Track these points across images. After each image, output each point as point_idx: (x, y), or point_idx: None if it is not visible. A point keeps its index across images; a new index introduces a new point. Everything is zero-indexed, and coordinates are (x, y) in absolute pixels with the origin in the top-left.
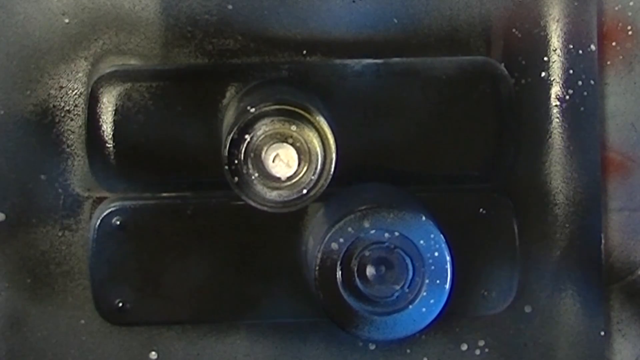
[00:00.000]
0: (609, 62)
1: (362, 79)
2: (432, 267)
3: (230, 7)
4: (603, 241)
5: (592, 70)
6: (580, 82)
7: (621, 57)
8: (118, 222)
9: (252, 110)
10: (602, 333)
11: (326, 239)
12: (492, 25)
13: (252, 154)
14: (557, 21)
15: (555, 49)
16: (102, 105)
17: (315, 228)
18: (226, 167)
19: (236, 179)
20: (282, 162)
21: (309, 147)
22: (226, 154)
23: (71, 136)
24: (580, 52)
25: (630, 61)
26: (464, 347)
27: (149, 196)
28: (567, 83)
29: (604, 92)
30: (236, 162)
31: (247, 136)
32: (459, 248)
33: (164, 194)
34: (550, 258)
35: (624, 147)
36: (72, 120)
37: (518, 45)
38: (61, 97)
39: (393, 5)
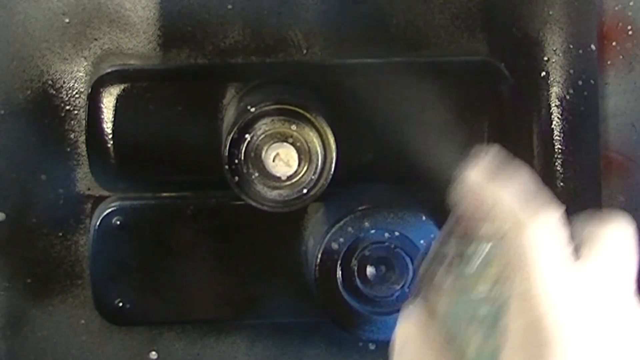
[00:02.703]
0: (609, 62)
1: (362, 79)
2: None
3: (230, 7)
4: None
5: (592, 70)
6: (580, 82)
7: (621, 57)
8: (118, 222)
9: (252, 110)
10: None
11: (326, 239)
12: (492, 25)
13: (252, 154)
14: (557, 21)
15: (555, 49)
16: (102, 105)
17: (315, 228)
18: (226, 167)
19: (236, 178)
20: (282, 161)
21: (309, 147)
22: (226, 153)
23: (71, 136)
24: (580, 52)
25: (630, 61)
26: None
27: (149, 196)
28: (567, 83)
29: (604, 92)
30: (236, 162)
31: (247, 136)
32: None
33: (164, 194)
34: None
35: (624, 147)
36: (72, 120)
37: (518, 45)
38: (61, 97)
39: (393, 5)
